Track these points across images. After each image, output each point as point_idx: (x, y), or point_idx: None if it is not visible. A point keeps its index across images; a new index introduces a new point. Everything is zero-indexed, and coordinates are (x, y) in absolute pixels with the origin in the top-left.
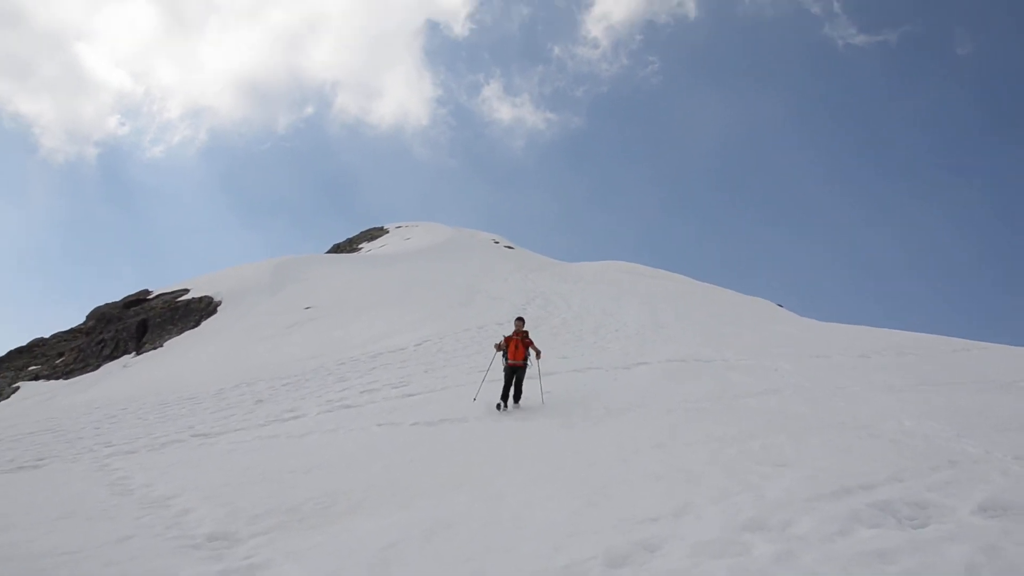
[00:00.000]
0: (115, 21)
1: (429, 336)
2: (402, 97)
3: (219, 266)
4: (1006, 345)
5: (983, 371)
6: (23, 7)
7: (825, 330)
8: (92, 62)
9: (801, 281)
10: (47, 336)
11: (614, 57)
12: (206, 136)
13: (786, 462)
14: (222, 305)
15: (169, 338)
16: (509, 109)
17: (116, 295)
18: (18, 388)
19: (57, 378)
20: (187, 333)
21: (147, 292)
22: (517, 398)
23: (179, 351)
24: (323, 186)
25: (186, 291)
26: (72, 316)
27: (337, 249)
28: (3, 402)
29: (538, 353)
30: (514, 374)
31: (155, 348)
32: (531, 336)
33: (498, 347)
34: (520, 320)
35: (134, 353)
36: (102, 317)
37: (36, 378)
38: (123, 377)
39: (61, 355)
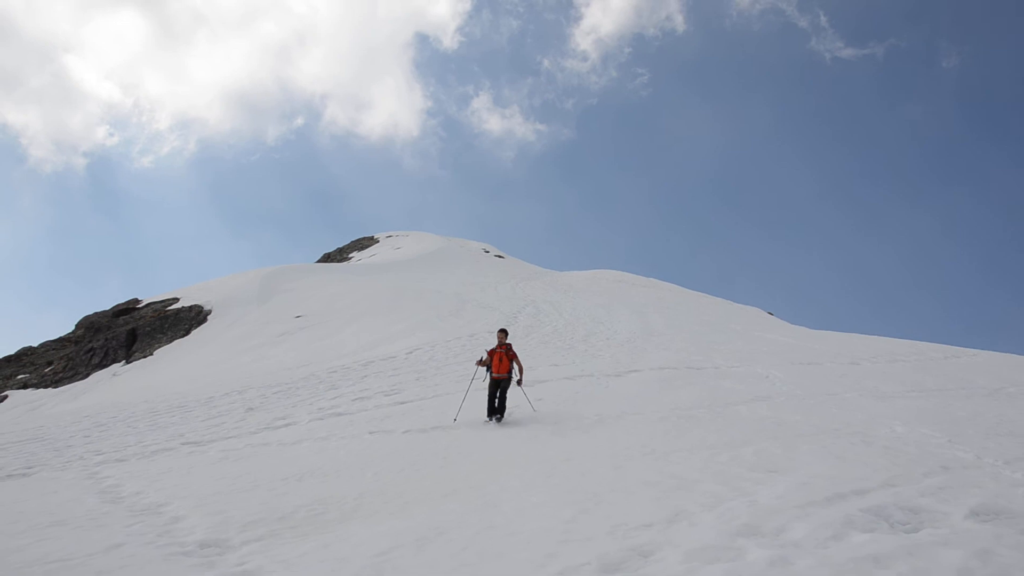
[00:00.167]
0: (104, 33)
1: (420, 345)
2: (392, 109)
3: (209, 276)
4: (996, 352)
5: (973, 378)
6: (12, 18)
7: (816, 337)
8: (81, 73)
9: (791, 289)
10: (36, 345)
11: (603, 70)
12: (195, 147)
13: (779, 468)
14: (212, 314)
15: (159, 347)
16: (499, 120)
17: (105, 304)
18: (6, 397)
19: (46, 387)
20: (177, 342)
21: (137, 301)
22: (500, 413)
23: (169, 360)
24: (313, 196)
25: (176, 300)
26: (61, 325)
27: (327, 258)
28: None
29: (520, 371)
30: (497, 387)
31: (145, 357)
32: (517, 347)
33: (481, 363)
34: (503, 332)
35: (124, 362)
36: (91, 326)
37: (25, 387)
38: (112, 386)
39: (50, 364)
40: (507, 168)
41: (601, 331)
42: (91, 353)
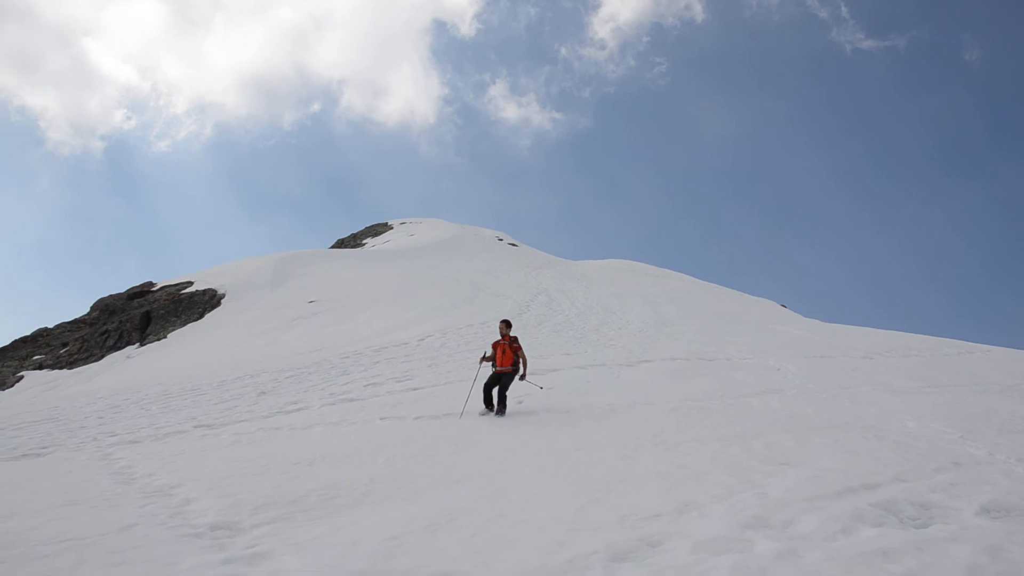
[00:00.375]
0: (123, 17)
1: (432, 331)
2: (408, 95)
3: (223, 260)
4: (1009, 348)
5: (987, 374)
6: (32, 2)
7: (829, 331)
8: (99, 57)
9: (805, 282)
10: (52, 326)
11: (621, 58)
12: (212, 131)
13: (789, 461)
14: (226, 298)
15: (173, 330)
16: (515, 109)
17: (120, 287)
18: (22, 377)
19: (61, 368)
20: (190, 325)
21: (151, 284)
22: (501, 410)
23: (182, 343)
24: (328, 182)
25: (190, 283)
26: (77, 307)
27: (341, 244)
28: (7, 391)
29: (524, 364)
30: (498, 382)
31: (159, 339)
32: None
33: (486, 359)
34: (505, 323)
35: (138, 344)
36: (106, 308)
37: (40, 367)
38: (126, 368)
39: (65, 345)
40: (523, 156)
41: (613, 321)
42: (106, 335)
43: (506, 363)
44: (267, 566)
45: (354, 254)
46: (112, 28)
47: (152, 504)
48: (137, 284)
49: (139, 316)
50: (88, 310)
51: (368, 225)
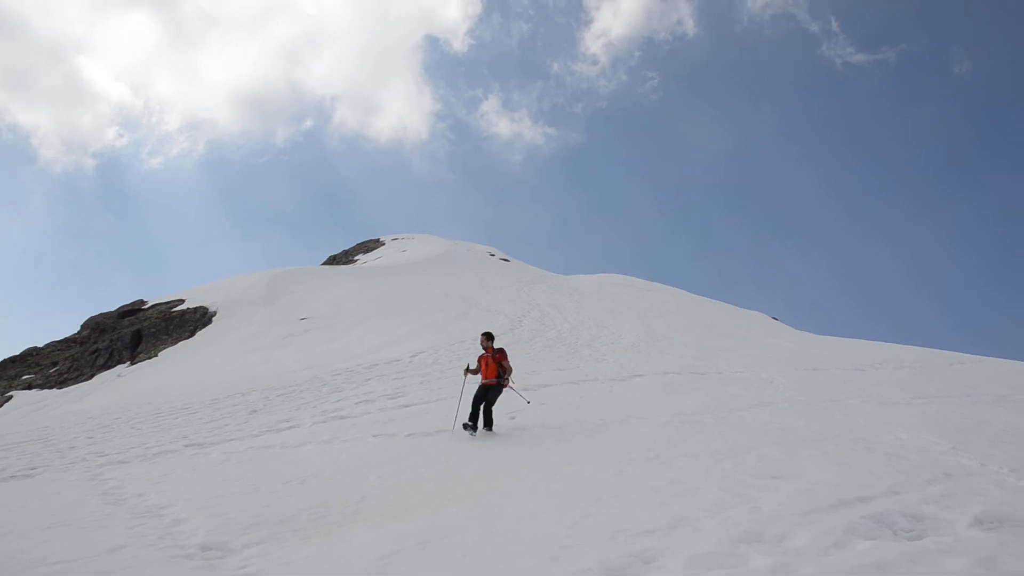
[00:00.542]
0: (116, 34)
1: (424, 348)
2: (401, 111)
3: (216, 277)
4: (1000, 359)
5: (979, 385)
6: (24, 19)
7: (820, 343)
8: (92, 74)
9: (798, 294)
10: (41, 345)
11: (613, 73)
12: (204, 148)
13: (782, 475)
14: (217, 315)
15: (163, 348)
16: (508, 124)
17: (111, 305)
18: (11, 397)
19: (50, 387)
20: (182, 343)
21: (142, 302)
22: (488, 425)
23: (173, 361)
24: (321, 199)
25: (181, 301)
26: (67, 325)
27: (333, 261)
28: None
29: (508, 373)
30: (486, 394)
31: (149, 358)
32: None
33: (469, 371)
34: (485, 335)
35: (128, 363)
36: (96, 326)
37: (29, 387)
38: (117, 387)
39: (55, 364)
40: (515, 171)
41: (606, 335)
42: (96, 354)
43: (490, 375)
44: None
45: (346, 271)
46: (105, 45)
47: (142, 525)
48: (128, 302)
49: (130, 334)
50: (78, 328)
51: (360, 241)
